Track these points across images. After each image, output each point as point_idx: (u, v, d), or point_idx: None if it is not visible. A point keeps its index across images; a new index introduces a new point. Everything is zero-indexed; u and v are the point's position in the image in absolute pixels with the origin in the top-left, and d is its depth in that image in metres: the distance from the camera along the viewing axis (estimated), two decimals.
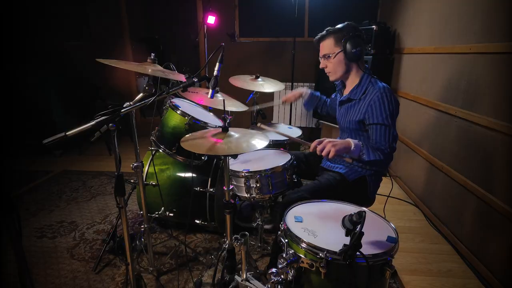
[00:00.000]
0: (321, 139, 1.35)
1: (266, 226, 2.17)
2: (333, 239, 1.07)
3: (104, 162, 3.66)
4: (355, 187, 1.62)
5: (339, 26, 1.57)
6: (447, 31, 2.32)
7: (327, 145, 1.31)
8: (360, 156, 1.40)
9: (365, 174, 1.62)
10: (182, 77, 1.41)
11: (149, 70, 1.42)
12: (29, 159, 3.71)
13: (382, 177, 1.71)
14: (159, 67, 1.49)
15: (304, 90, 2.02)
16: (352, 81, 1.64)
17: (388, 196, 1.91)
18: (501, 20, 1.78)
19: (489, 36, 1.87)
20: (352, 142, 1.38)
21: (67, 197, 2.83)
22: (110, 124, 1.17)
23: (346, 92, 1.67)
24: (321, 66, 1.67)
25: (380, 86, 1.53)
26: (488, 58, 1.87)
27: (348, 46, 1.52)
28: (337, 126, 1.83)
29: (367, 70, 1.61)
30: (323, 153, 1.32)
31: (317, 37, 1.64)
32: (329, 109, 2.02)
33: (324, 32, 1.61)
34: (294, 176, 1.74)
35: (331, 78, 1.68)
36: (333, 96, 1.98)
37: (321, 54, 1.64)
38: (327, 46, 1.59)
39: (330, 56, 1.59)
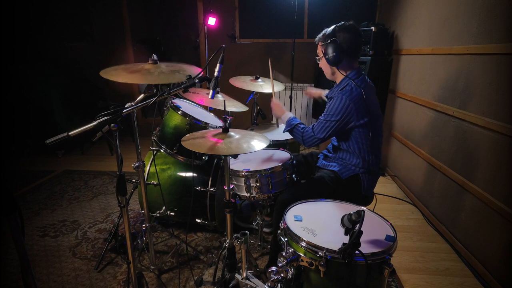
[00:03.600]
0: (276, 102, 1.87)
1: (265, 230, 2.19)
2: (332, 238, 1.09)
3: (106, 162, 3.68)
4: (349, 184, 1.65)
5: (327, 29, 1.63)
6: (445, 32, 2.33)
7: (272, 105, 1.87)
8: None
9: (358, 172, 1.65)
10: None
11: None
12: (31, 159, 3.73)
13: (380, 176, 1.73)
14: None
15: (324, 93, 2.14)
16: (337, 81, 1.72)
17: (376, 194, 1.92)
18: (498, 22, 1.80)
19: (486, 37, 1.89)
20: (287, 115, 1.76)
21: (69, 196, 2.85)
22: (112, 124, 1.19)
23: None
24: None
25: (351, 89, 1.56)
26: (486, 59, 1.89)
27: (327, 51, 1.59)
28: None
29: (350, 74, 1.64)
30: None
31: (316, 39, 1.72)
32: None
33: (318, 36, 1.69)
34: (294, 176, 1.76)
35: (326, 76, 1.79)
36: None
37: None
38: (318, 48, 1.69)
39: (320, 59, 1.70)
